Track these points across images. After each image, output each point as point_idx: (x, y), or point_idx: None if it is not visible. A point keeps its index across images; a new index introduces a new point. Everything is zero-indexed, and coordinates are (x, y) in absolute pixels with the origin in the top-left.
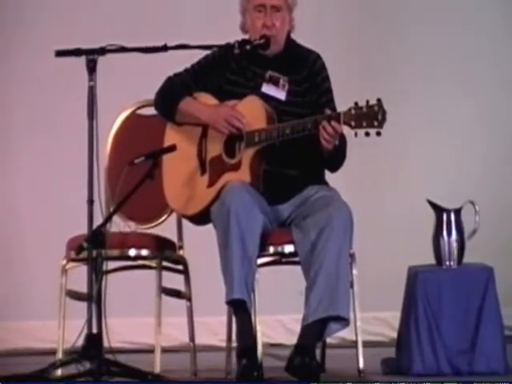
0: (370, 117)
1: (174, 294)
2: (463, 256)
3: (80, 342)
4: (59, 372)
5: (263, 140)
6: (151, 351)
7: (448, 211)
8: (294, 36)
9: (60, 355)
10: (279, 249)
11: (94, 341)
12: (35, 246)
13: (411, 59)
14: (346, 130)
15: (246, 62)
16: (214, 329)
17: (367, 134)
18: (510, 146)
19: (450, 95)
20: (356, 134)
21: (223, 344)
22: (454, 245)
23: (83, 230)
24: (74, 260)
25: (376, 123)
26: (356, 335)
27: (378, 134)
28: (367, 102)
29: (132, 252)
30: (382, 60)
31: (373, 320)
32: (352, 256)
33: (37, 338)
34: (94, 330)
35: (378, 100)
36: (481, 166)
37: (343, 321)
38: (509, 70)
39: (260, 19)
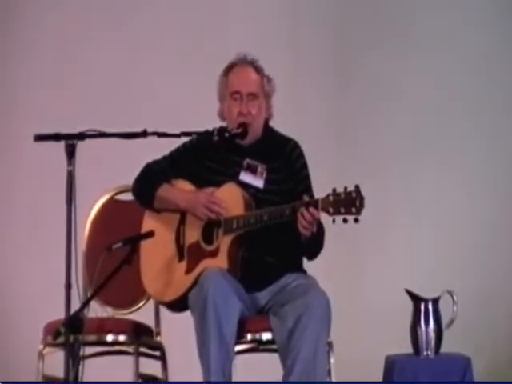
0: (348, 203)
1: (151, 379)
2: (441, 345)
3: None
4: None
5: (241, 227)
6: None
7: (426, 301)
8: (272, 122)
9: None
10: (257, 336)
11: None
12: (10, 330)
13: (391, 148)
14: (323, 217)
15: (224, 149)
16: None
17: (345, 221)
18: (489, 237)
19: (430, 182)
20: (334, 221)
21: None
22: (432, 334)
23: (60, 314)
24: (50, 345)
25: (354, 210)
26: None
27: (356, 220)
28: (345, 188)
29: (109, 337)
30: (361, 147)
31: None
32: (330, 344)
33: None
34: None
35: (356, 187)
36: (460, 255)
37: None
38: (493, 148)
39: (236, 107)
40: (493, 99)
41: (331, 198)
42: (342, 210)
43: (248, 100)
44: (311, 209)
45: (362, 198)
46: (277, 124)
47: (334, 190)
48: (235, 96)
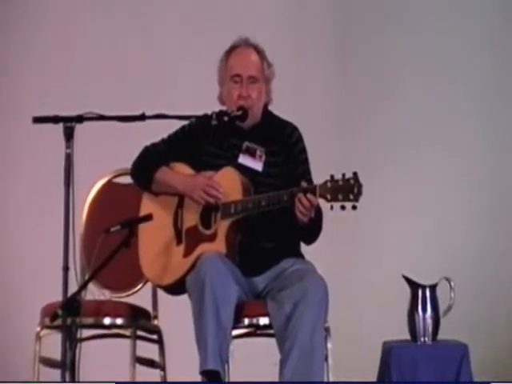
0: (346, 190)
1: (148, 363)
2: (438, 332)
3: None
4: None
5: (239, 211)
6: None
7: (423, 287)
8: (271, 107)
9: None
10: (254, 321)
11: None
12: (8, 312)
13: (391, 135)
14: (321, 202)
15: (223, 133)
16: None
17: (343, 208)
18: (487, 223)
19: (428, 170)
20: (332, 207)
21: None
22: (429, 321)
23: (58, 297)
24: (48, 327)
25: (352, 196)
26: None
27: (354, 207)
28: (343, 175)
29: (107, 320)
30: (360, 134)
31: None
32: (327, 330)
33: None
34: None
35: (354, 173)
36: (458, 242)
37: None
38: (492, 137)
39: (236, 90)
40: (495, 87)
41: (329, 184)
42: (340, 197)
43: (248, 83)
44: (309, 195)
45: (360, 185)
46: (277, 109)
47: (332, 176)
48: (235, 79)
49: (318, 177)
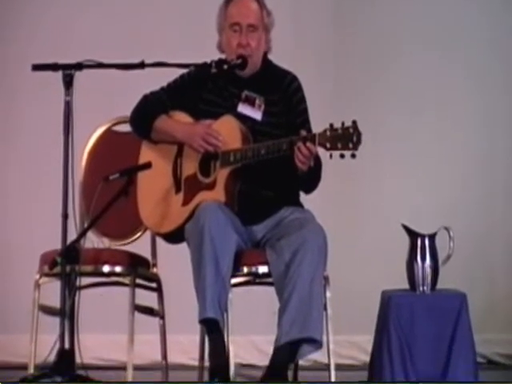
0: (345, 139)
1: (147, 311)
2: (437, 282)
3: (52, 358)
4: None
5: (238, 160)
6: (123, 368)
7: (422, 236)
8: (270, 56)
9: (32, 370)
10: (253, 269)
11: (66, 356)
12: (7, 260)
13: (388, 82)
14: (321, 151)
15: (222, 81)
16: (187, 347)
17: (342, 156)
18: (485, 173)
19: (426, 120)
20: (331, 156)
21: (196, 363)
22: (428, 270)
23: (57, 244)
24: (47, 275)
25: (351, 145)
26: (329, 358)
27: (353, 156)
28: (342, 123)
29: (106, 268)
30: (359, 83)
31: (346, 343)
32: (326, 278)
33: (8, 352)
34: (67, 346)
35: (354, 122)
36: (457, 191)
37: (316, 343)
38: (490, 99)
39: (235, 38)
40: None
41: (328, 132)
42: (339, 145)
43: (247, 32)
44: (308, 143)
45: (359, 134)
46: (275, 58)
47: (332, 124)
48: (235, 28)
49: (318, 126)
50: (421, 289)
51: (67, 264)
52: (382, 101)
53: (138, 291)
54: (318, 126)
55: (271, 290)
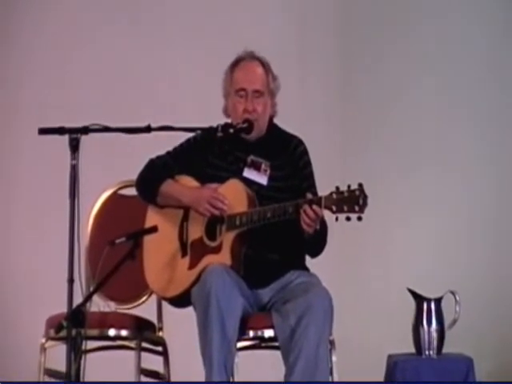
0: (351, 201)
1: (153, 375)
2: (443, 346)
3: None
4: None
5: (244, 223)
6: None
7: (428, 300)
8: (277, 120)
9: None
10: (259, 333)
11: None
12: (14, 324)
13: (393, 142)
14: (327, 214)
15: (228, 145)
16: None
17: (348, 219)
18: (492, 236)
19: (432, 182)
20: (337, 219)
21: None
22: (434, 334)
23: (63, 308)
24: (53, 339)
25: (357, 208)
26: None
27: (359, 218)
28: (348, 186)
29: (111, 332)
30: (363, 145)
31: None
32: (332, 342)
33: None
34: None
35: (360, 185)
36: (463, 255)
37: None
38: (492, 158)
39: (241, 104)
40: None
41: (334, 196)
42: (345, 208)
43: (253, 97)
44: (314, 206)
45: (365, 197)
46: (281, 120)
47: (338, 188)
48: (241, 93)
49: (324, 190)
50: (427, 353)
51: (73, 328)
52: (388, 164)
53: (144, 355)
54: (324, 189)
55: (277, 353)
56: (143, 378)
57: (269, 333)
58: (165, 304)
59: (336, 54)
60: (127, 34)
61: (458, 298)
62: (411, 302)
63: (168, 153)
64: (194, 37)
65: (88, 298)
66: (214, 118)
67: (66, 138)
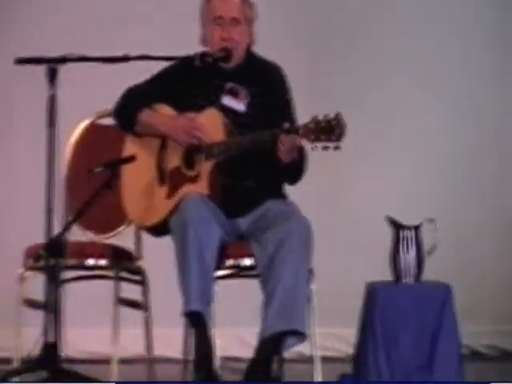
0: (329, 131)
1: (132, 304)
2: (422, 273)
3: (36, 351)
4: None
5: (222, 152)
6: (108, 362)
7: (407, 228)
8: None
9: (16, 364)
10: (238, 262)
11: (50, 350)
12: None
13: (371, 71)
14: (305, 143)
15: (205, 74)
16: (172, 341)
17: (325, 148)
18: (470, 163)
19: (410, 110)
20: (313, 148)
21: (180, 356)
22: (413, 262)
23: (41, 238)
24: (31, 268)
25: (334, 137)
26: (313, 350)
27: (337, 148)
28: (326, 115)
29: (90, 262)
30: (342, 74)
31: (330, 335)
32: (310, 271)
33: None
34: (51, 339)
35: (337, 114)
36: (441, 182)
37: (301, 335)
38: (474, 83)
39: (218, 32)
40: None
41: (312, 124)
42: (323, 137)
43: (230, 25)
44: (291, 135)
45: (342, 125)
46: (258, 48)
47: (315, 116)
48: (218, 21)
49: (301, 118)
50: (405, 280)
51: (51, 257)
52: (366, 91)
53: (123, 285)
54: (302, 117)
55: (256, 282)
56: (122, 308)
57: (247, 261)
58: (144, 233)
59: None
60: None
61: (436, 225)
62: (390, 230)
63: (146, 82)
64: None
65: (66, 228)
66: (192, 47)
67: (43, 68)
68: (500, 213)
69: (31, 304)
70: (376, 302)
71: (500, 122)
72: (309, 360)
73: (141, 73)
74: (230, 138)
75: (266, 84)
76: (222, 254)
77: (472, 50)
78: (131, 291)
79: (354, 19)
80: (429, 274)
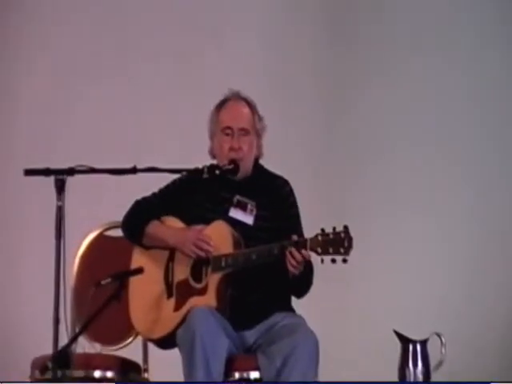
0: (337, 244)
1: None
2: None
3: None
4: None
5: (230, 265)
6: None
7: (414, 342)
8: (261, 161)
9: None
10: (244, 375)
11: None
12: (0, 365)
13: (376, 182)
14: (312, 255)
15: (214, 186)
16: None
17: (333, 261)
18: (476, 271)
19: (416, 226)
20: (322, 261)
21: None
22: (420, 376)
23: (48, 350)
24: (38, 380)
25: (342, 250)
26: None
27: (345, 261)
28: (334, 228)
29: (97, 373)
30: (348, 186)
31: None
32: None
33: None
34: None
35: (345, 227)
36: (449, 296)
37: None
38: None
39: (227, 142)
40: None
41: (320, 237)
42: (331, 250)
43: (239, 135)
44: (300, 248)
45: (350, 239)
46: (265, 161)
47: (323, 229)
48: (226, 131)
49: (309, 231)
50: None
51: (58, 369)
52: (372, 206)
53: None
54: (309, 230)
55: None
56: None
57: (254, 374)
58: (151, 345)
59: (318, 96)
60: (114, 74)
61: (443, 340)
62: (397, 344)
63: (154, 194)
64: (181, 78)
65: (73, 339)
66: (200, 159)
67: (51, 179)
68: None
69: None
70: None
71: None
72: None
73: (149, 184)
74: (238, 250)
75: (273, 197)
76: (229, 366)
77: None
78: None
79: (362, 146)
80: None
